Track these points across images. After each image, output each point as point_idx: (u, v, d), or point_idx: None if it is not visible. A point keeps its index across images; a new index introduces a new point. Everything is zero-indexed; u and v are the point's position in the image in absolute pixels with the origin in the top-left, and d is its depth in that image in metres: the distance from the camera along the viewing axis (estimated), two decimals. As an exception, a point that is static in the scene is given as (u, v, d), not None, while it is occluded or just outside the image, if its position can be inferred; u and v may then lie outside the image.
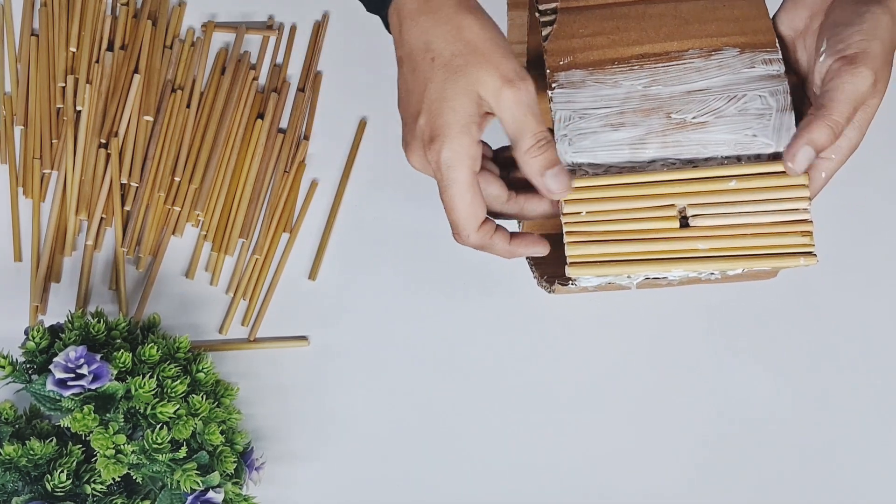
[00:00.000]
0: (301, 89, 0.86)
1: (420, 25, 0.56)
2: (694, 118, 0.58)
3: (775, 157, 0.57)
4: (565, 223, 0.58)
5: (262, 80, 0.87)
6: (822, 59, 0.56)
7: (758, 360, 0.80)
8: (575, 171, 0.58)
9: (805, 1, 0.59)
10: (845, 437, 0.79)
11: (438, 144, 0.55)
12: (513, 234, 0.60)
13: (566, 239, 0.58)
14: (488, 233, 0.58)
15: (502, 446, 0.79)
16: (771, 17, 0.60)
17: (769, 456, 0.78)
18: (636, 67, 0.59)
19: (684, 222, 0.58)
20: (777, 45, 0.59)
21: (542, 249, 0.60)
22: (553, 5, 0.61)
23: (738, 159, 0.58)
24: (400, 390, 0.80)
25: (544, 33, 0.61)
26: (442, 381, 0.80)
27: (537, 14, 0.62)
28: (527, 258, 0.75)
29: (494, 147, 0.62)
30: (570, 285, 0.60)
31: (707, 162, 0.58)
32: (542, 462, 0.78)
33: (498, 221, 0.60)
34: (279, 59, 0.87)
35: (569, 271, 0.58)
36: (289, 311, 0.81)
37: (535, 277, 0.73)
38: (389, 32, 0.58)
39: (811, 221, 0.57)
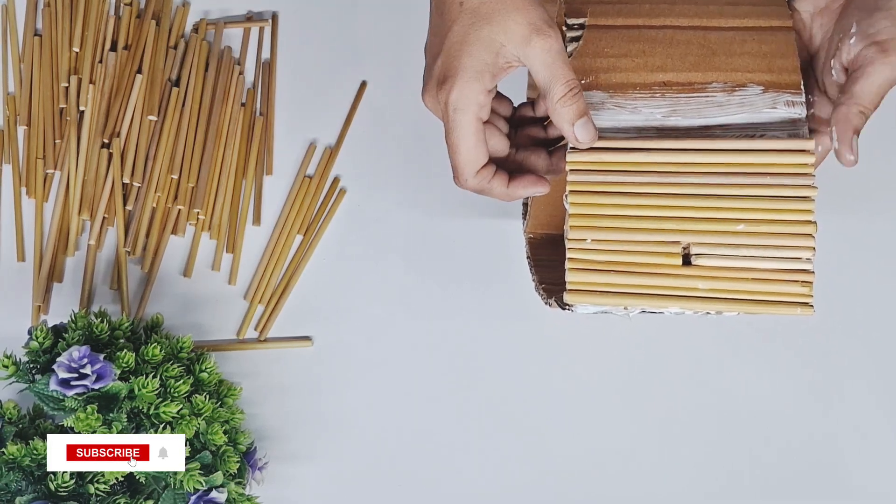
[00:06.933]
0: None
1: None
2: None
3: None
4: (569, 248, 0.57)
5: (251, 76, 0.87)
6: (852, 41, 0.55)
7: (758, 360, 0.80)
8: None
9: None
10: (847, 438, 0.79)
11: (449, 85, 0.56)
12: (511, 177, 0.60)
13: (568, 265, 0.57)
14: (486, 177, 0.59)
15: (503, 446, 0.78)
16: None
17: (771, 457, 0.78)
18: (657, 95, 0.58)
19: (686, 260, 0.57)
20: (801, 87, 0.58)
21: (541, 189, 0.61)
22: (581, 20, 0.60)
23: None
24: (403, 391, 0.79)
25: (569, 49, 0.59)
26: (445, 382, 0.80)
27: (564, 28, 0.61)
28: (528, 258, 0.75)
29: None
30: (566, 310, 0.59)
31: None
32: (543, 462, 0.78)
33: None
34: (265, 54, 0.87)
35: (567, 297, 0.57)
36: (292, 310, 0.81)
37: (533, 280, 0.72)
38: None
39: (813, 272, 0.56)
